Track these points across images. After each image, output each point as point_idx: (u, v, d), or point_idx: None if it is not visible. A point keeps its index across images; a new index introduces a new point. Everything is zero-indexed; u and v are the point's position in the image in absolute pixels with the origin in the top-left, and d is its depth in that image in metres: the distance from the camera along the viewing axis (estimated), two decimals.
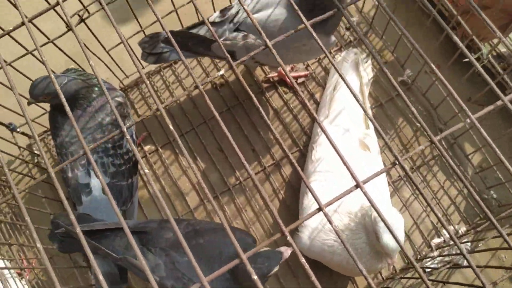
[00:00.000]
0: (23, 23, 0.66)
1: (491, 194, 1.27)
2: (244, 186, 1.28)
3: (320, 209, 0.58)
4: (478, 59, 1.13)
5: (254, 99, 0.61)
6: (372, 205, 0.58)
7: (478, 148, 1.26)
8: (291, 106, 1.35)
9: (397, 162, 0.59)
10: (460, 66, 1.31)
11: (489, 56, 1.08)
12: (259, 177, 1.29)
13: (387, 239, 0.89)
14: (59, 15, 0.90)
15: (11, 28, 0.68)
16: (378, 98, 1.36)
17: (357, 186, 0.59)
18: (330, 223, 0.57)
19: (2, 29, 0.75)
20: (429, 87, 1.28)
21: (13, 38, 0.92)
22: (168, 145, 1.32)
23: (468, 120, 0.61)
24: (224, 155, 1.30)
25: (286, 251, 0.93)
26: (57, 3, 0.67)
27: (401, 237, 0.96)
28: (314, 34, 0.63)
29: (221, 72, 0.63)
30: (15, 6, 0.67)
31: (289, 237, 0.55)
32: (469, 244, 1.22)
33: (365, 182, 0.59)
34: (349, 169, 0.59)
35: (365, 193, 0.58)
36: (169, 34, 0.66)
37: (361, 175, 1.20)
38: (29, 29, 0.66)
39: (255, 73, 1.38)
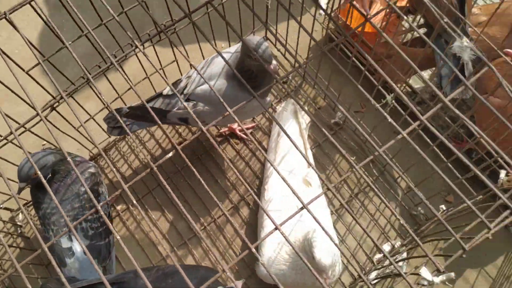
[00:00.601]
0: (11, 132, 0.84)
1: (419, 210, 1.49)
2: (208, 230, 1.46)
3: (276, 228, 0.78)
4: (387, 103, 1.37)
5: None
6: (316, 220, 0.77)
7: (402, 172, 1.49)
8: (242, 154, 1.56)
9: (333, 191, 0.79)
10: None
11: (393, 102, 1.31)
12: (221, 220, 1.48)
13: (319, 257, 1.08)
14: (33, 107, 1.07)
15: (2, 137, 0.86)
16: (316, 139, 1.58)
17: (303, 207, 0.79)
18: (286, 239, 0.76)
19: None
20: (355, 128, 1.52)
21: (10, 142, 1.09)
22: (138, 202, 1.49)
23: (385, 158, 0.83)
24: (189, 205, 1.48)
25: (238, 285, 1.11)
26: (37, 114, 0.85)
27: (329, 256, 1.13)
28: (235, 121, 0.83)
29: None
30: (4, 118, 0.85)
31: (253, 250, 0.74)
32: (404, 254, 1.43)
33: (308, 203, 0.80)
34: (295, 194, 0.79)
35: (309, 211, 0.79)
36: (114, 113, 0.85)
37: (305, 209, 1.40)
38: (18, 140, 0.83)
39: (209, 130, 1.57)
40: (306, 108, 1.57)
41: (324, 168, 1.55)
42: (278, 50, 1.68)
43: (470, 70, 1.36)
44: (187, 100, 1.32)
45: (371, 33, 1.55)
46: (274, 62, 1.19)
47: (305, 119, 1.56)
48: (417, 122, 0.87)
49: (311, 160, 1.48)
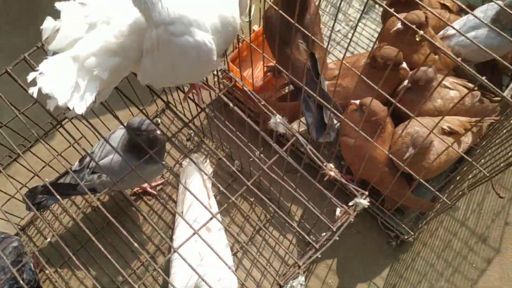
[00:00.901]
0: None
1: (311, 238, 1.73)
2: (129, 282, 1.65)
3: (195, 233, 0.99)
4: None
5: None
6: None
7: (295, 205, 1.73)
8: (155, 208, 1.77)
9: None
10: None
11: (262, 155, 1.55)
12: (140, 270, 1.67)
13: None
14: None
15: None
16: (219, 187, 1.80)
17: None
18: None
19: None
20: (250, 170, 1.75)
21: None
22: (65, 264, 1.68)
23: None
24: (109, 260, 1.67)
25: None
26: None
27: None
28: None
29: None
30: None
31: (177, 251, 0.94)
32: (303, 277, 1.66)
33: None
34: (204, 204, 1.01)
35: (217, 219, 1.01)
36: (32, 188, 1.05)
37: (206, 252, 1.61)
38: None
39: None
40: (208, 160, 1.80)
41: (228, 212, 1.77)
42: (180, 112, 1.92)
43: (329, 118, 1.61)
44: (93, 172, 1.53)
45: (255, 90, 1.80)
46: (157, 130, 1.42)
47: (207, 170, 1.78)
48: (282, 150, 1.10)
49: (215, 206, 1.69)
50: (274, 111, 1.13)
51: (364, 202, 1.01)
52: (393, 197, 1.63)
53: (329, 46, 2.00)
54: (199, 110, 1.12)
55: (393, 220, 1.71)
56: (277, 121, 1.11)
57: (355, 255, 1.74)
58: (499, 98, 1.83)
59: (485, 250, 1.77)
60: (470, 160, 1.10)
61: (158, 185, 1.80)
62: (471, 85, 1.69)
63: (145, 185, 1.77)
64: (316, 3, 1.60)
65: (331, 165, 1.06)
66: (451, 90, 1.63)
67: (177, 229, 1.64)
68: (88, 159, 1.55)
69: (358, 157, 1.52)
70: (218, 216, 1.69)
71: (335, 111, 1.39)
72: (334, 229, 1.01)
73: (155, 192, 1.79)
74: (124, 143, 1.49)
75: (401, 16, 1.61)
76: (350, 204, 1.02)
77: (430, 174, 1.54)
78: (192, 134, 1.89)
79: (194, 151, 1.86)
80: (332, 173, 1.05)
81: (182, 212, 1.70)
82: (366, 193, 1.02)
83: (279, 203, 1.77)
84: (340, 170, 1.79)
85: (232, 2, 0.90)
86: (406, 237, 1.69)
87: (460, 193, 1.34)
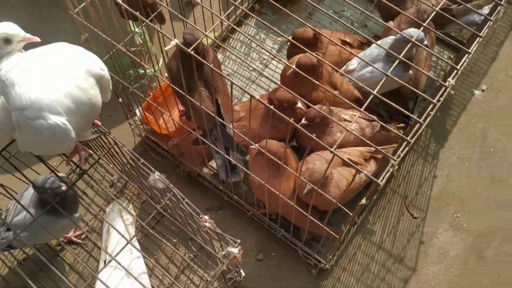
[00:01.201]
0: None
1: (236, 275, 1.79)
2: None
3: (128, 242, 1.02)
4: None
5: None
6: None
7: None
8: (81, 257, 1.81)
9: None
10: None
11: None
12: None
13: None
14: None
15: None
16: (143, 230, 1.86)
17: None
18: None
19: None
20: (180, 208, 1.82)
21: None
22: None
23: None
24: None
25: None
26: None
27: None
28: None
29: None
30: None
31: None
32: None
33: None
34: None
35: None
36: None
37: None
38: None
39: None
40: (131, 205, 1.86)
41: (152, 254, 1.82)
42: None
43: (238, 158, 1.69)
44: (8, 229, 1.57)
45: (169, 134, 1.87)
46: (62, 186, 1.47)
47: (130, 215, 1.84)
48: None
49: (137, 251, 1.74)
50: (152, 169, 1.20)
51: (235, 250, 1.08)
52: (304, 227, 1.71)
53: (245, 85, 2.09)
54: (81, 172, 1.18)
55: (310, 249, 1.79)
56: (155, 177, 1.18)
57: (277, 286, 1.81)
58: (403, 125, 1.95)
59: (402, 270, 1.86)
60: (333, 200, 1.19)
61: (81, 234, 1.84)
62: (371, 116, 1.79)
63: (70, 234, 1.81)
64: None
65: (206, 217, 1.13)
66: (350, 123, 1.73)
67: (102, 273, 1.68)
68: (3, 216, 1.59)
69: (262, 194, 1.60)
70: (141, 260, 1.74)
71: (229, 157, 1.47)
72: (209, 279, 1.08)
73: (80, 241, 1.83)
74: (37, 198, 1.53)
75: (296, 58, 1.72)
76: (223, 253, 1.09)
77: (333, 204, 1.62)
78: (115, 180, 1.94)
79: (117, 197, 1.91)
80: (207, 224, 1.12)
81: (105, 260, 1.74)
82: (238, 241, 1.09)
83: (202, 241, 1.83)
84: (259, 206, 1.87)
85: (88, 85, 0.98)
86: (322, 265, 1.77)
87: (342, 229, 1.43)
